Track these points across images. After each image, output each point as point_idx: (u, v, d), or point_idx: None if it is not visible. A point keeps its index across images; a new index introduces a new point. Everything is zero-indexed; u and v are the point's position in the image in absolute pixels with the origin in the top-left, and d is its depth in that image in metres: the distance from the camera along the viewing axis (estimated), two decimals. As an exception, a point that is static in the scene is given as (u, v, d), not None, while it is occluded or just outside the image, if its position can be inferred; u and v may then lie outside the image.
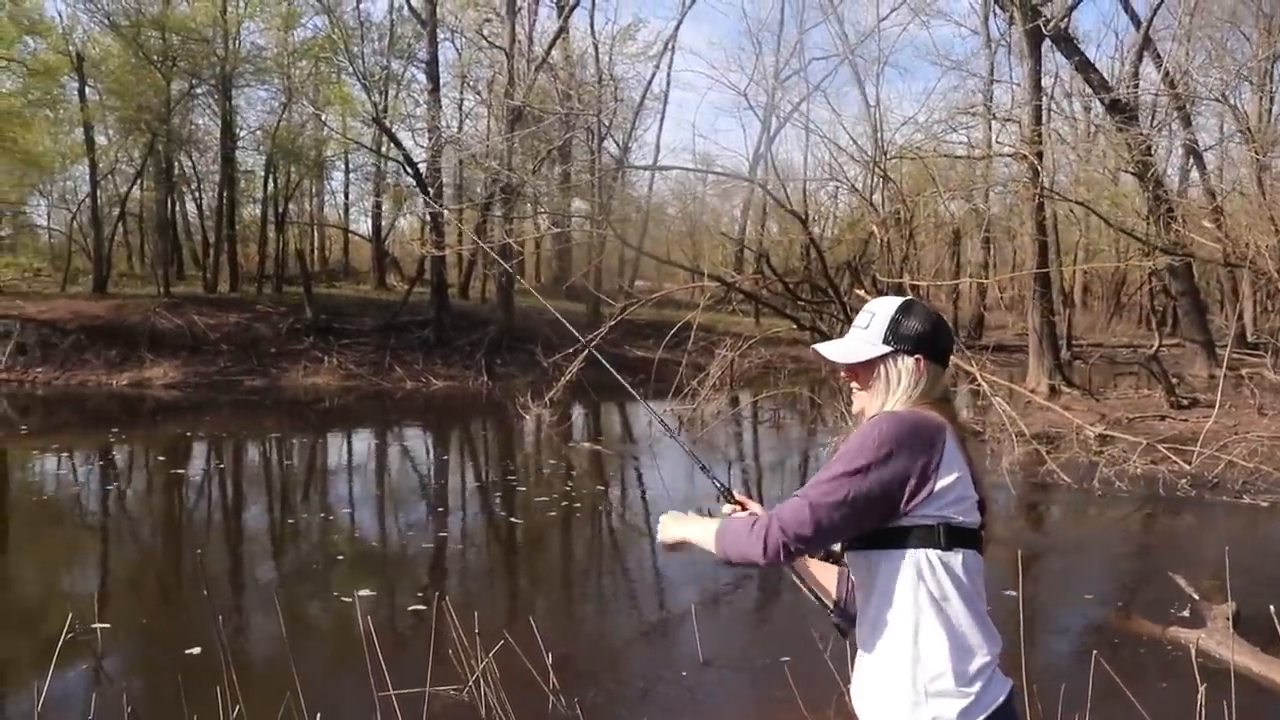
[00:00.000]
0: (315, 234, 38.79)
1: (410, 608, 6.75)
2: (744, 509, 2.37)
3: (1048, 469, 10.71)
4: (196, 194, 32.06)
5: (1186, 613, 6.46)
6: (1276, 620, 4.19)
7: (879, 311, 2.23)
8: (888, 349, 2.17)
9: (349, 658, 4.66)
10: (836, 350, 2.25)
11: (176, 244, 30.76)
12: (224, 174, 28.26)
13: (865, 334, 2.21)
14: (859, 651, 2.13)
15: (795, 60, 30.52)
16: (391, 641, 5.33)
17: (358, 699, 4.62)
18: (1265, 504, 9.40)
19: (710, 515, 2.36)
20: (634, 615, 6.97)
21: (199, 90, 27.79)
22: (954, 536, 2.01)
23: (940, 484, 2.00)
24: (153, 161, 27.64)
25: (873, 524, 2.01)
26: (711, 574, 7.61)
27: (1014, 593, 4.92)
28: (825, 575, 2.40)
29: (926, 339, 2.18)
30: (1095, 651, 4.79)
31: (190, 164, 30.65)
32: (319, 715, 3.77)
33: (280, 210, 31.11)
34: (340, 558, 8.51)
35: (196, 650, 5.57)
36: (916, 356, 2.17)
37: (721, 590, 7.25)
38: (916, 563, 2.00)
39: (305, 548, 8.99)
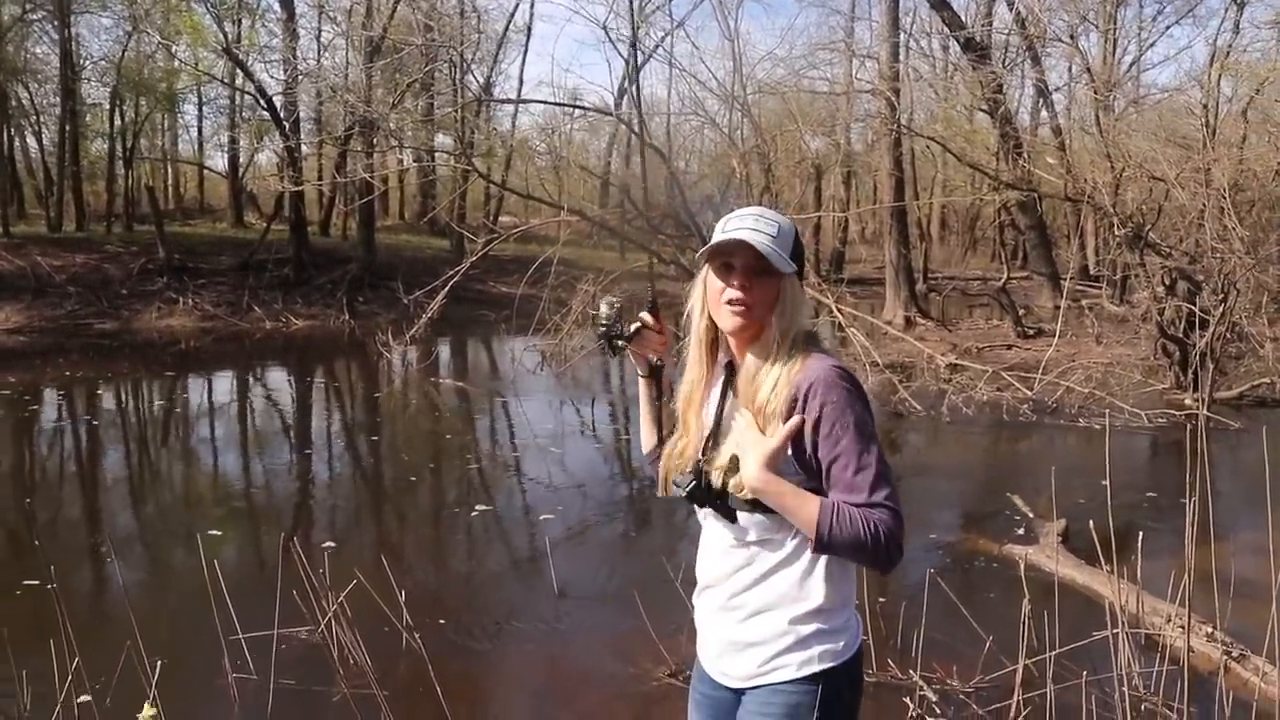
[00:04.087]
0: (168, 170, 37.20)
1: (268, 551, 6.66)
2: (658, 325, 2.21)
3: (900, 397, 11.08)
4: (36, 127, 30.30)
5: (1022, 531, 6.81)
6: (1096, 535, 4.43)
7: (783, 225, 2.00)
8: (793, 269, 1.99)
9: (198, 604, 4.58)
10: (768, 250, 1.94)
11: (16, 181, 29.07)
12: (65, 107, 26.69)
13: (776, 244, 1.97)
14: (729, 599, 2.05)
15: (659, -8, 30.24)
16: (245, 585, 5.25)
17: (205, 644, 4.55)
18: (1098, 426, 9.90)
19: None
20: (494, 553, 7.01)
21: (34, 16, 26.17)
22: None
23: None
24: (-16, 92, 26.01)
25: None
26: (576, 511, 7.69)
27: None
28: (653, 416, 2.32)
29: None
30: (931, 570, 5.03)
31: (28, 96, 28.93)
32: (160, 663, 3.70)
33: (129, 145, 29.63)
34: (198, 502, 8.33)
35: (29, 604, 5.39)
36: (802, 278, 2.06)
37: (580, 525, 7.34)
38: None
39: (162, 494, 8.75)
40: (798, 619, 1.97)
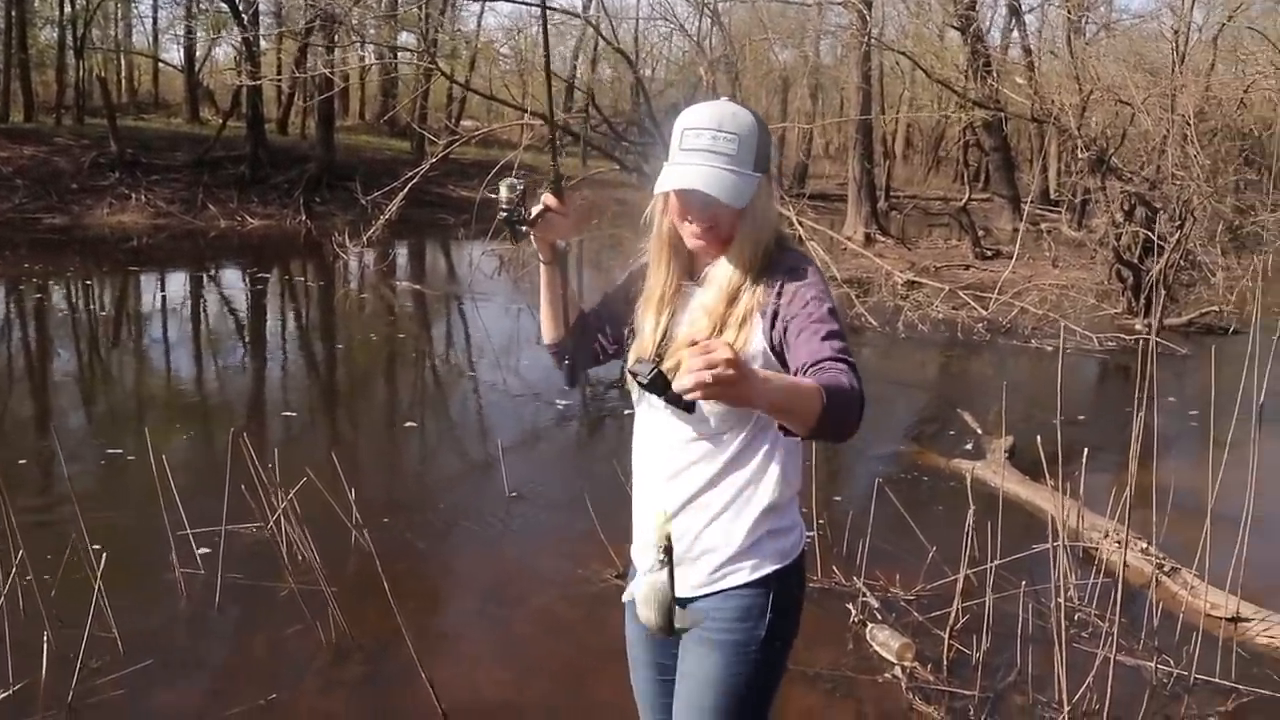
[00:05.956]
0: (121, 62, 36.10)
1: (218, 448, 6.62)
2: (562, 206, 2.06)
3: (857, 312, 11.14)
4: (-20, 13, 29.20)
5: (970, 446, 6.92)
6: (1043, 452, 4.50)
7: (743, 132, 1.85)
8: (759, 176, 1.87)
9: (145, 499, 4.55)
10: (727, 190, 1.82)
11: (-41, 69, 28.13)
12: (11, -9, 25.79)
13: (736, 161, 1.84)
14: (684, 502, 1.98)
15: (631, -106, 29.48)
16: (194, 482, 5.21)
17: (152, 538, 4.54)
18: (1049, 348, 10.03)
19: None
20: (447, 455, 7.02)
21: (-23, -109, 25.06)
22: None
23: None
24: (-77, -28, 24.98)
25: None
26: (530, 415, 7.71)
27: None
28: (570, 309, 2.19)
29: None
30: (879, 480, 5.10)
31: (-30, -23, 27.82)
32: (105, 554, 3.68)
33: (80, 34, 28.63)
34: (149, 401, 8.25)
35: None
36: (770, 174, 1.93)
37: (534, 429, 7.37)
38: None
39: (113, 392, 8.64)
40: (751, 522, 1.95)
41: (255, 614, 4.21)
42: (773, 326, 1.85)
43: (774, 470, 1.94)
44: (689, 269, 2.03)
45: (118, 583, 3.93)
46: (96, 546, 3.97)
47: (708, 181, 1.82)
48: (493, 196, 2.04)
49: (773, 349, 1.86)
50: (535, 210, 2.05)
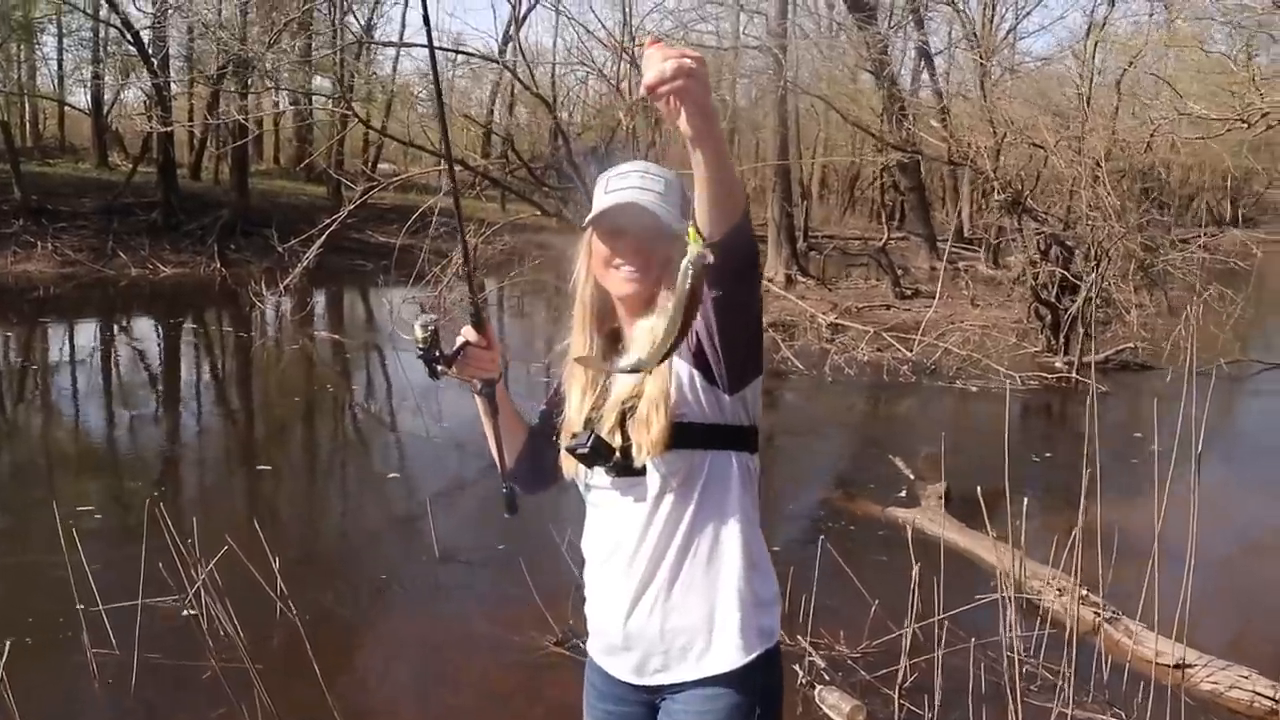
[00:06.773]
0: (25, 105, 35.18)
1: (132, 515, 6.32)
2: (484, 340, 1.93)
3: (782, 356, 11.13)
4: (-125, 54, 28.24)
5: (904, 493, 6.87)
6: (980, 498, 4.47)
7: (669, 179, 1.83)
8: (685, 226, 1.63)
9: (54, 574, 4.30)
10: (662, 210, 1.77)
11: None
12: (-93, 32, 25.01)
13: (665, 200, 1.79)
14: (659, 580, 1.82)
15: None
16: (107, 553, 4.95)
17: (62, 617, 4.27)
18: (974, 388, 10.13)
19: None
20: (371, 513, 6.79)
21: None
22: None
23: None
24: None
25: (756, 364, 1.79)
26: (455, 468, 7.52)
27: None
28: (514, 433, 2.09)
29: None
30: (822, 536, 5.03)
31: None
32: (9, 641, 3.42)
33: (-21, 77, 27.93)
34: (58, 463, 7.89)
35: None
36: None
37: (459, 483, 7.18)
38: (745, 465, 1.83)
39: (18, 452, 8.23)
40: (734, 587, 1.79)
41: (174, 697, 3.96)
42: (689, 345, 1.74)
43: (736, 514, 1.81)
44: (612, 338, 1.94)
45: (22, 666, 3.68)
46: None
47: (640, 198, 1.78)
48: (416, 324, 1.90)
49: (692, 352, 1.75)
50: (457, 343, 1.92)
